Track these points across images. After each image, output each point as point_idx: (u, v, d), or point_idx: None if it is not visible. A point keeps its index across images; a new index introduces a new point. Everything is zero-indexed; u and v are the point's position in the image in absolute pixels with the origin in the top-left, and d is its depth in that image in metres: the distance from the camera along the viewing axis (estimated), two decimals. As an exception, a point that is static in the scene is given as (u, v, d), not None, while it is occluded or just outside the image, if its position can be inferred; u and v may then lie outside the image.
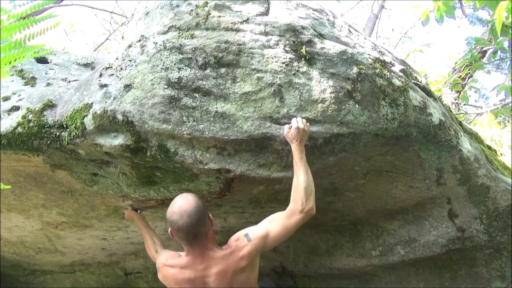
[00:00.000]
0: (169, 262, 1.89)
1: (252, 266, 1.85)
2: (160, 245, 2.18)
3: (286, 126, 1.91)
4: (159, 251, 2.11)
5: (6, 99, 2.22)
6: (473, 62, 4.43)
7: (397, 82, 2.19)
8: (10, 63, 1.12)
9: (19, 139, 2.06)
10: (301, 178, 1.82)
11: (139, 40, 2.04)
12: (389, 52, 2.52)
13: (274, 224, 1.83)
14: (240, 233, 1.86)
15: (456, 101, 5.77)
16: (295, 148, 1.87)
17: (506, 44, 4.06)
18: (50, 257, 3.24)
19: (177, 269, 1.84)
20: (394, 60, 2.38)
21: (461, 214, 2.52)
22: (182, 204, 1.75)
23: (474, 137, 2.97)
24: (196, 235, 1.75)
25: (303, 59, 2.03)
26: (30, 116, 2.09)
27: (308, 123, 1.92)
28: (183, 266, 1.83)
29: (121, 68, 2.01)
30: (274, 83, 1.97)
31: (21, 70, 2.42)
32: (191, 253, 1.81)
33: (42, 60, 2.57)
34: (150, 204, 2.37)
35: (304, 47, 2.04)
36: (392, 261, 2.73)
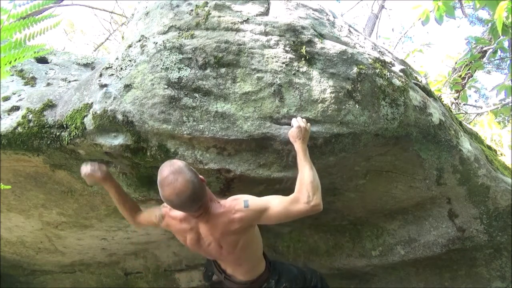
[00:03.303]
0: (172, 213, 1.96)
1: (244, 231, 1.87)
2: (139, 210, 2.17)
3: (289, 127, 1.93)
4: (143, 212, 2.14)
5: (6, 99, 2.22)
6: (473, 61, 4.43)
7: (397, 82, 2.19)
8: (10, 63, 1.12)
9: (19, 139, 2.06)
10: (307, 173, 1.81)
11: (139, 40, 2.04)
12: (389, 52, 2.52)
13: (276, 204, 1.81)
14: (241, 196, 1.86)
15: (456, 101, 5.77)
16: (298, 147, 1.87)
17: (506, 43, 4.06)
18: (50, 257, 3.24)
19: (177, 221, 1.95)
20: (394, 60, 2.38)
21: (461, 214, 2.52)
22: (178, 189, 1.65)
23: (474, 137, 2.97)
24: (197, 209, 1.78)
25: (303, 59, 2.03)
26: (30, 116, 2.09)
27: (308, 123, 1.93)
28: (181, 219, 1.92)
29: (121, 68, 2.00)
30: (274, 83, 1.97)
31: (21, 70, 2.42)
32: None
33: (42, 60, 2.57)
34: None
35: (304, 47, 2.04)
36: (392, 261, 2.72)
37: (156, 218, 2.04)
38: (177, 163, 1.72)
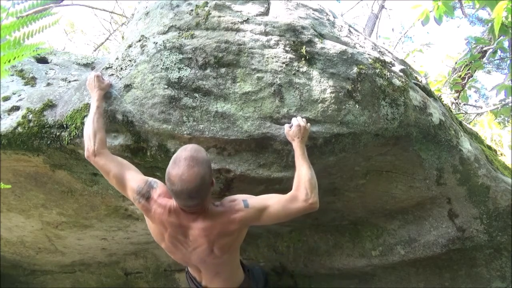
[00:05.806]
0: (161, 200, 1.72)
1: (239, 233, 1.80)
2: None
3: (287, 125, 1.92)
4: (134, 171, 1.83)
5: (6, 99, 2.22)
6: (473, 61, 4.43)
7: (397, 82, 2.19)
8: (9, 61, 1.12)
9: (19, 139, 2.06)
10: (304, 171, 1.80)
11: (139, 40, 2.04)
12: (389, 52, 2.52)
13: (275, 202, 1.77)
14: (238, 196, 1.79)
15: (456, 101, 5.77)
16: (297, 146, 1.86)
17: (506, 43, 4.06)
18: (50, 257, 3.24)
19: (166, 211, 1.70)
20: (394, 60, 2.38)
21: (461, 214, 2.52)
22: (187, 176, 1.55)
23: (474, 137, 2.96)
24: (192, 206, 1.66)
25: (303, 59, 2.03)
26: (30, 116, 2.09)
27: (308, 123, 1.93)
28: (170, 210, 1.70)
29: (121, 68, 2.01)
30: (274, 83, 1.97)
31: (21, 70, 2.42)
32: None
33: (42, 60, 2.57)
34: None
35: (304, 47, 2.04)
36: (392, 261, 2.72)
37: (137, 189, 1.74)
38: (202, 154, 1.64)
